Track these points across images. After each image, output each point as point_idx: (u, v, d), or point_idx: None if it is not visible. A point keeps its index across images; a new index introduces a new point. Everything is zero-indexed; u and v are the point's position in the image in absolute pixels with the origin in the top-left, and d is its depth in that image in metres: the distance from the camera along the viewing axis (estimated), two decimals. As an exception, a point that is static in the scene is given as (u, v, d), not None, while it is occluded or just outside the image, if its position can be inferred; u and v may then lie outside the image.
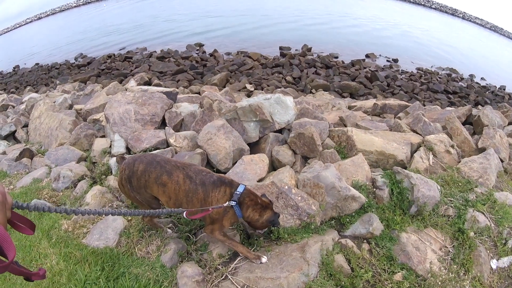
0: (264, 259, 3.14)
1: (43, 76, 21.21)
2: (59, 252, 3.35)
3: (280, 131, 5.11)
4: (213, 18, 33.14)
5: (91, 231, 3.63)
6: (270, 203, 3.04)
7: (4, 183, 5.29)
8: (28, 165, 5.87)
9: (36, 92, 15.83)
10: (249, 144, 4.78)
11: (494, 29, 62.36)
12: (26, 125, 7.95)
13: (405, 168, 4.53)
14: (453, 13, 66.33)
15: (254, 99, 5.13)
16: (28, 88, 18.46)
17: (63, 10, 56.35)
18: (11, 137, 7.76)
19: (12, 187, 5.09)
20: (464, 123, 6.16)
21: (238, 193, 2.83)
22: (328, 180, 3.56)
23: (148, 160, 2.91)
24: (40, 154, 6.20)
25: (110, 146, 5.27)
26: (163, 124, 5.71)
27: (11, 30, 53.39)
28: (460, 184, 4.40)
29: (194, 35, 26.54)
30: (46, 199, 4.44)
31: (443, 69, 23.18)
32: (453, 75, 21.99)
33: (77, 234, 3.66)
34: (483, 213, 3.92)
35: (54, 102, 8.17)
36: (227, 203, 2.76)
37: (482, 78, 23.54)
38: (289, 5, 41.33)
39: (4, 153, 6.66)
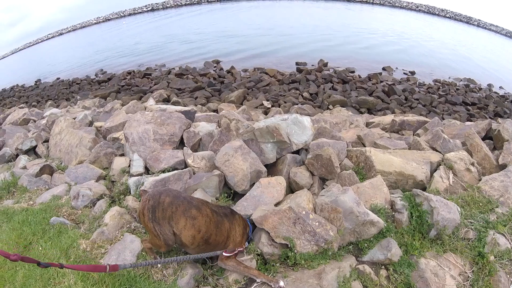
0: (282, 283, 3.13)
1: (64, 91, 21.81)
2: (77, 272, 3.38)
3: (297, 151, 5.08)
4: (230, 36, 33.65)
5: (108, 252, 3.65)
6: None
7: (24, 198, 5.37)
8: (48, 181, 5.98)
9: (57, 106, 16.27)
10: (266, 166, 4.77)
11: (510, 35, 61.31)
12: (46, 140, 8.12)
13: (425, 188, 4.45)
14: (468, 21, 65.89)
15: (271, 120, 5.14)
16: (49, 102, 19.00)
17: (83, 27, 58.30)
18: (32, 151, 7.95)
19: (31, 202, 5.17)
20: (484, 138, 5.99)
21: (246, 216, 3.58)
22: (346, 205, 3.52)
23: (174, 195, 3.17)
24: (60, 170, 6.32)
25: (129, 166, 5.34)
26: (181, 143, 5.77)
27: (33, 45, 55.32)
28: (480, 204, 4.27)
29: (211, 52, 27.00)
30: (65, 216, 4.50)
31: (461, 80, 22.82)
32: (471, 85, 21.58)
33: (95, 254, 3.69)
34: (503, 235, 3.79)
35: (74, 119, 8.36)
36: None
37: (500, 87, 23.07)
38: (307, 22, 41.63)
39: (24, 167, 6.81)
